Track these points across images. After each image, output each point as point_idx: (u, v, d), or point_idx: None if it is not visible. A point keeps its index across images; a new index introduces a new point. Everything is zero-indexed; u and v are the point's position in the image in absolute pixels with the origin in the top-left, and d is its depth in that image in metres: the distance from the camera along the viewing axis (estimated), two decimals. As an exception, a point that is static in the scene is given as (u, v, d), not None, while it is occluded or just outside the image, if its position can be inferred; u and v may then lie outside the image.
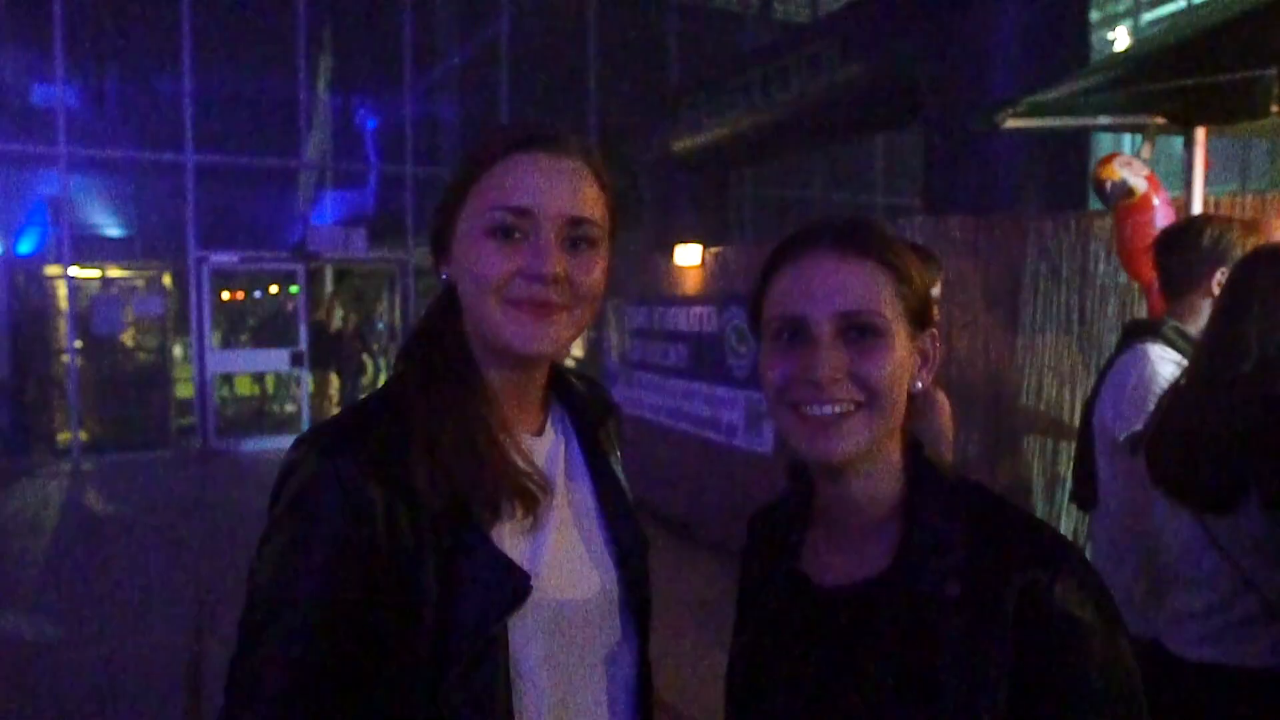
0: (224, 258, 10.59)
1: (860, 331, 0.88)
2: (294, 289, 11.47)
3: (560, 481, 1.05)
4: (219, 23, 11.75)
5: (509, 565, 0.94)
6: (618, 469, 1.14)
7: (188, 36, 10.42)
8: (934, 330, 0.94)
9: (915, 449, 0.94)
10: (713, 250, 6.20)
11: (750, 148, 9.71)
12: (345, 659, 0.88)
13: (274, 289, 15.16)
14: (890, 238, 0.93)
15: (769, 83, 8.65)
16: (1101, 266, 3.91)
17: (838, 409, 0.87)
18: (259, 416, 12.57)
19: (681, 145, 10.14)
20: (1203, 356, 1.77)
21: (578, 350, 9.53)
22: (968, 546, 0.86)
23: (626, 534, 1.09)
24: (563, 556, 1.01)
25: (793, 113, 8.44)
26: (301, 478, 0.90)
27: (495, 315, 0.96)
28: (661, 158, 10.48)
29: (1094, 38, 11.52)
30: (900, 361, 0.89)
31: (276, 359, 11.07)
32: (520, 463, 0.98)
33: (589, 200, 0.98)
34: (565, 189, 0.96)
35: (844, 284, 0.89)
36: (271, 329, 12.97)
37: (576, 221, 0.96)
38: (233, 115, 11.97)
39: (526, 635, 0.95)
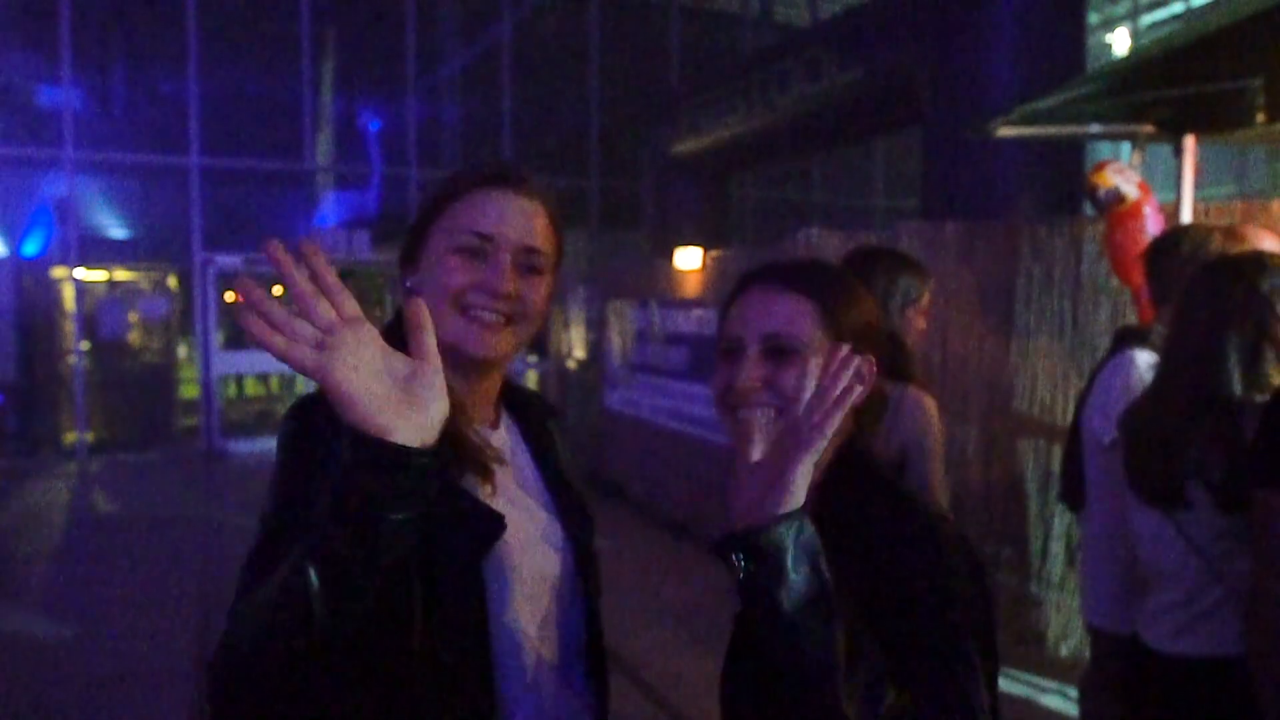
0: (229, 260, 10.66)
1: (780, 351, 1.05)
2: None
3: (512, 466, 1.20)
4: (224, 26, 11.84)
5: (483, 506, 1.08)
6: (565, 463, 1.29)
7: (193, 40, 10.49)
8: (870, 357, 1.07)
9: (855, 452, 1.10)
10: (713, 254, 6.27)
11: (750, 151, 9.80)
12: None
13: (277, 290, 15.24)
14: (826, 276, 1.11)
15: (769, 87, 8.73)
16: (1094, 272, 3.97)
17: (759, 413, 1.03)
18: (263, 418, 12.64)
19: (682, 148, 10.23)
20: (1161, 361, 1.87)
21: (579, 352, 9.60)
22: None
23: (574, 514, 1.23)
24: (518, 525, 1.13)
25: (792, 116, 8.52)
26: (284, 431, 1.07)
27: (451, 320, 1.10)
28: (662, 160, 10.56)
29: (1092, 41, 11.58)
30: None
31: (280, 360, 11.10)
32: (476, 439, 1.13)
33: (541, 234, 1.16)
34: (523, 222, 1.14)
35: (770, 312, 1.07)
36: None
37: (530, 250, 1.14)
38: (238, 118, 12.05)
39: (499, 582, 1.08)
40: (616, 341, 7.71)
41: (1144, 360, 2.30)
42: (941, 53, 6.62)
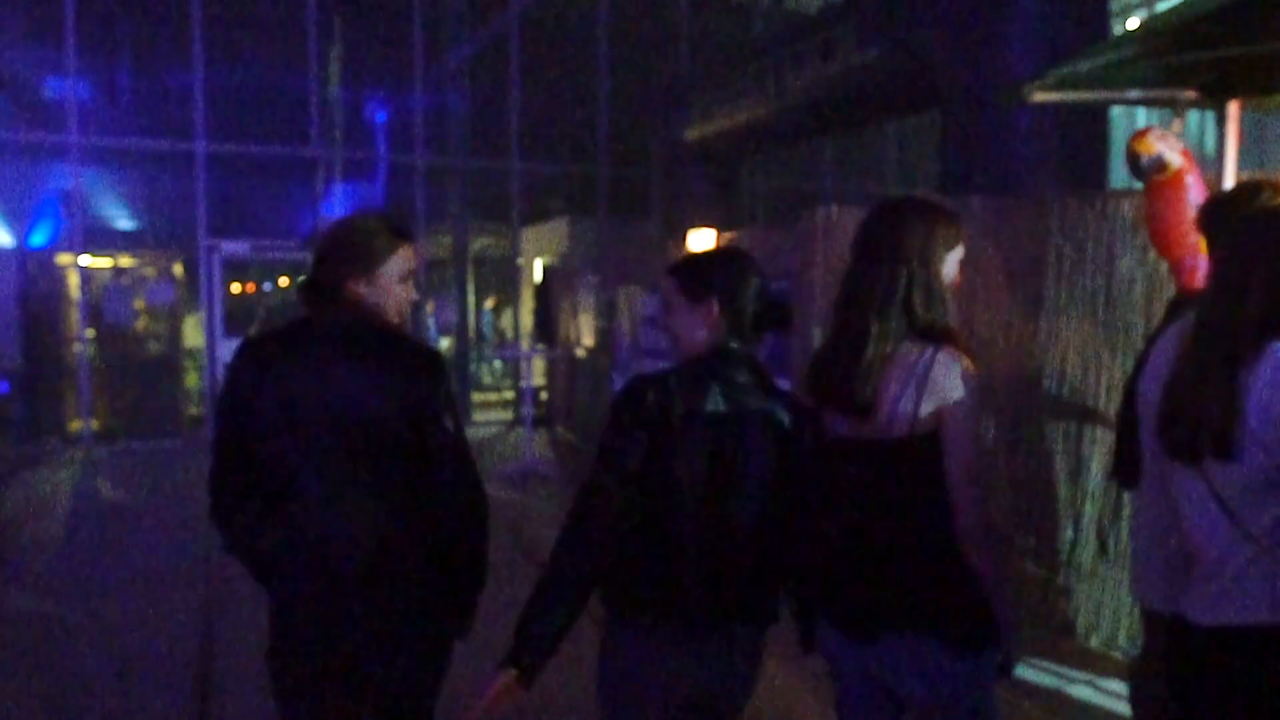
0: (235, 246, 10.56)
1: (664, 307, 1.97)
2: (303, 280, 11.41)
3: None
4: (230, 13, 11.72)
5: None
6: None
7: (198, 27, 10.38)
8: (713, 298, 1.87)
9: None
10: (727, 235, 6.13)
11: (763, 136, 9.64)
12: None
13: (284, 281, 15.18)
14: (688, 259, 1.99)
15: (781, 69, 8.57)
16: (1127, 248, 3.83)
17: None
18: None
19: (692, 135, 10.07)
20: (1198, 314, 1.72)
21: (588, 340, 9.48)
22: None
23: None
24: None
25: (806, 100, 8.36)
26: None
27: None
28: (672, 148, 10.41)
29: (1112, 24, 11.38)
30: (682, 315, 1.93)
31: (288, 347, 11.01)
32: None
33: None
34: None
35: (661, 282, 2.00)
36: (281, 319, 12.94)
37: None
38: (243, 106, 11.94)
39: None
40: (626, 327, 7.59)
41: None
42: (961, 30, 6.45)
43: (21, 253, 10.46)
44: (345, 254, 1.96)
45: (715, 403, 1.80)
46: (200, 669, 4.02)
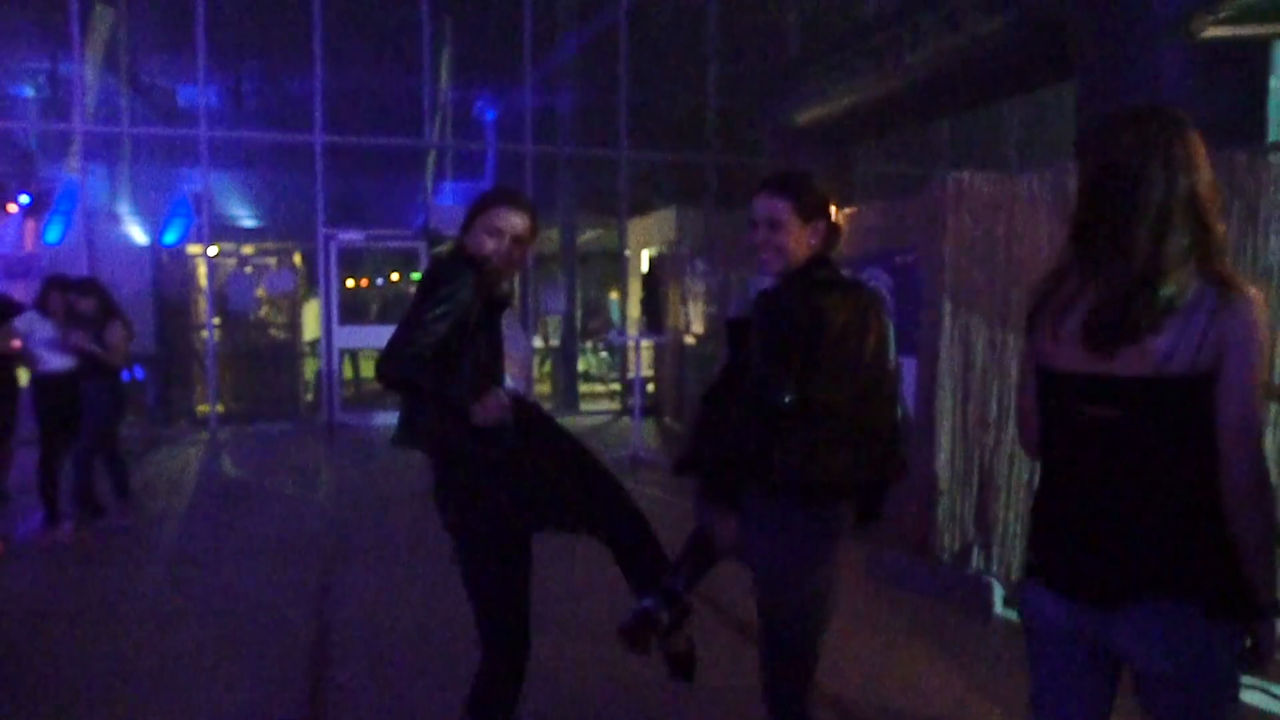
0: (350, 236, 10.83)
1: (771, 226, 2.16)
2: (416, 275, 11.66)
3: None
4: (348, 16, 12.05)
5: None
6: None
7: (318, 29, 10.68)
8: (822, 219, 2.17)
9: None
10: (846, 211, 5.87)
11: (879, 117, 9.28)
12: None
13: (395, 276, 15.60)
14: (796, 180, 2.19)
15: (900, 44, 8.21)
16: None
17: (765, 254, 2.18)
18: (382, 395, 12.88)
19: (804, 118, 9.78)
20: None
21: (697, 327, 9.32)
22: None
23: None
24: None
25: (927, 75, 7.98)
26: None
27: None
28: (783, 132, 10.14)
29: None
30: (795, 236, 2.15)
31: (400, 335, 11.26)
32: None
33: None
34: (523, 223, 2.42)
35: (764, 204, 2.18)
36: (398, 308, 13.32)
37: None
38: (360, 101, 12.26)
39: None
40: (740, 311, 7.39)
41: None
42: (1101, -10, 6.01)
43: (155, 247, 10.98)
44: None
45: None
46: (316, 633, 4.04)
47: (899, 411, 2.19)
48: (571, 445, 2.46)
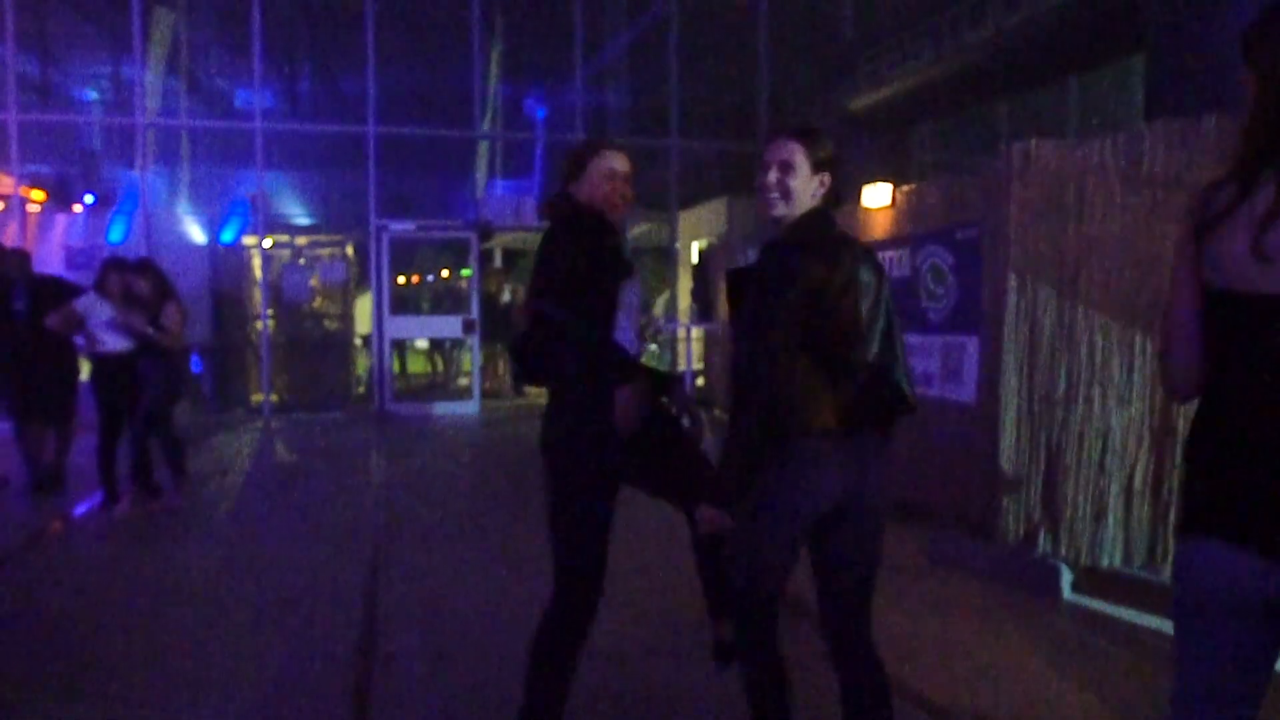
0: (401, 226, 10.89)
1: (783, 168, 2.17)
2: (466, 271, 11.72)
3: None
4: (400, 9, 12.15)
5: None
6: None
7: (370, 26, 10.76)
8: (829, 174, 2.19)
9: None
10: (904, 189, 5.71)
11: (937, 100, 9.08)
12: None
13: (445, 273, 15.72)
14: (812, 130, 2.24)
15: (959, 24, 8.01)
16: None
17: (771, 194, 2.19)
18: (431, 387, 12.99)
19: (860, 103, 9.62)
20: None
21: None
22: None
23: None
24: None
25: (989, 54, 7.77)
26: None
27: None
28: (837, 118, 9.96)
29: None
30: (803, 182, 2.17)
31: (450, 325, 11.33)
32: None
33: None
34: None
35: (779, 148, 2.20)
36: (447, 301, 13.43)
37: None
38: (411, 94, 12.34)
39: None
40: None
41: None
42: (1174, -43, 5.78)
43: (212, 243, 11.17)
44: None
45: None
46: (366, 609, 4.01)
47: (897, 383, 2.18)
48: (679, 430, 2.59)
